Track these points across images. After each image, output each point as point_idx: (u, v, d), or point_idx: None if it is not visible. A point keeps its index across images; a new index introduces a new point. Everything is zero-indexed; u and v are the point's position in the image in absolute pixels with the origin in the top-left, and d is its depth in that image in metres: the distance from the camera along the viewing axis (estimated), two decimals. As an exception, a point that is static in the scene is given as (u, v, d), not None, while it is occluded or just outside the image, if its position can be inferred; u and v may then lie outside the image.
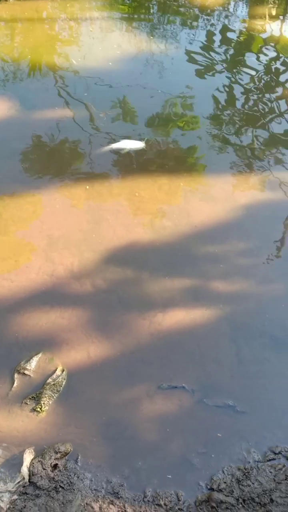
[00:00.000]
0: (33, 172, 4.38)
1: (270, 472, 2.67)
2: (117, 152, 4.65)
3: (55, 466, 2.64)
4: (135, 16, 7.28)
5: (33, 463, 2.64)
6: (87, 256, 3.67)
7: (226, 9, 7.60)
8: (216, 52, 6.46)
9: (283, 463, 2.70)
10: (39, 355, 3.08)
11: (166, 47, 6.47)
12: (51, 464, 2.64)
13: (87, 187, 4.23)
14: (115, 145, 4.70)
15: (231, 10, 7.61)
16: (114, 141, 4.75)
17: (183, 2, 7.65)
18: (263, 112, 5.47)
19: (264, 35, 6.96)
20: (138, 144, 4.73)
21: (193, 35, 6.84)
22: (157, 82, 5.71)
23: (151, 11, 7.52)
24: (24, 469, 2.60)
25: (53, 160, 4.55)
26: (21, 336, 3.18)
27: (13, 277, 3.50)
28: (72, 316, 3.31)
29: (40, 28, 6.63)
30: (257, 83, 5.94)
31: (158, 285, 3.54)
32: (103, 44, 6.40)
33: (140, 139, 4.78)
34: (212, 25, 7.12)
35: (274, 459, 2.72)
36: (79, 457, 2.68)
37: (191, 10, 7.47)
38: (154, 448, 2.73)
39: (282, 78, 6.07)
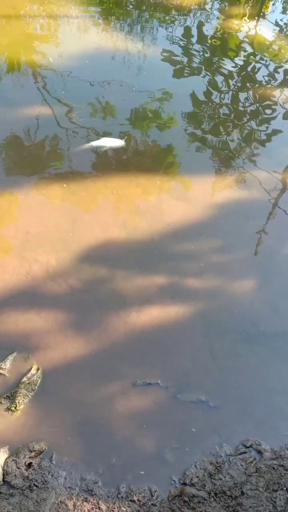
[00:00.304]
0: (9, 170, 4.37)
1: (241, 465, 2.73)
2: (96, 149, 4.66)
3: (29, 465, 2.65)
4: (113, 14, 7.27)
5: (7, 462, 2.65)
6: (63, 255, 3.68)
7: (202, 8, 7.64)
8: (193, 51, 6.50)
9: (253, 456, 2.77)
10: (14, 354, 3.09)
11: (143, 46, 6.49)
12: (25, 463, 2.65)
13: (64, 185, 4.24)
14: (95, 143, 4.71)
15: (207, 9, 7.66)
16: (93, 139, 4.76)
17: (160, 1, 7.67)
18: (239, 111, 5.53)
19: (240, 35, 7.03)
20: (118, 142, 4.74)
21: (170, 34, 6.87)
22: (134, 80, 5.73)
23: (128, 9, 7.52)
24: (-2, 468, 2.61)
25: (30, 158, 4.54)
26: (-5, 336, 3.18)
27: (-12, 276, 3.49)
28: (48, 315, 3.32)
29: (17, 25, 6.58)
30: (234, 82, 6.00)
31: (133, 284, 3.57)
32: (81, 42, 6.39)
33: (120, 137, 4.79)
34: (189, 24, 7.16)
35: (245, 452, 2.78)
36: (54, 455, 2.70)
37: (168, 9, 7.49)
38: (128, 445, 2.77)
39: (258, 76, 6.15)
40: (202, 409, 2.95)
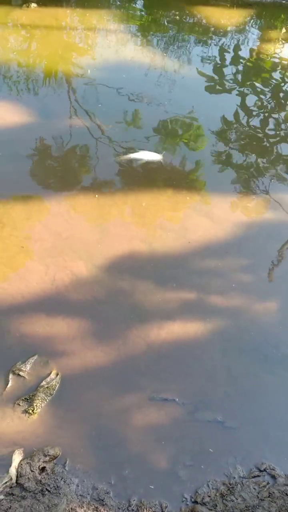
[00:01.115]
0: (41, 178, 4.46)
1: (254, 488, 2.70)
2: (130, 162, 4.73)
3: (43, 469, 2.67)
4: (150, 31, 7.41)
5: (21, 464, 2.67)
6: (88, 265, 3.73)
7: (240, 30, 7.74)
8: (227, 71, 6.58)
9: (267, 480, 2.74)
10: (35, 357, 3.13)
11: (178, 63, 6.60)
12: (39, 466, 2.67)
13: (96, 195, 4.30)
14: (133, 155, 4.78)
15: (245, 31, 7.75)
16: (126, 152, 4.83)
17: (198, 21, 7.79)
18: (269, 133, 5.56)
19: (275, 58, 7.09)
20: (156, 157, 4.80)
21: (206, 53, 6.97)
22: (167, 97, 5.82)
23: (166, 27, 7.66)
24: (12, 470, 2.63)
25: (63, 168, 4.63)
26: (18, 338, 3.23)
27: (13, 281, 3.55)
28: (70, 322, 3.36)
29: (58, 36, 6.75)
30: (265, 104, 6.05)
31: (155, 298, 3.59)
32: (118, 56, 6.52)
33: (158, 152, 4.85)
34: (225, 45, 7.26)
35: (258, 476, 2.76)
36: (67, 461, 2.72)
37: (206, 29, 7.61)
38: (142, 458, 2.77)
39: (291, 101, 6.19)
40: (218, 428, 2.94)
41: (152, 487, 2.68)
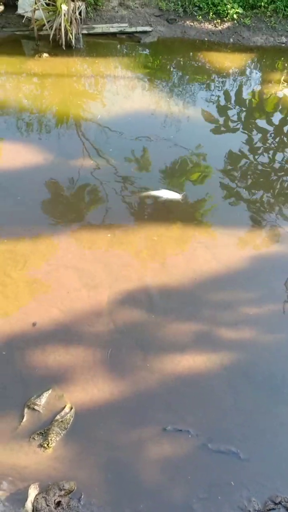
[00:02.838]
0: (54, 218, 4.63)
1: (270, 522, 2.69)
2: (148, 198, 4.90)
3: (58, 503, 2.69)
4: (156, 76, 7.76)
5: (37, 498, 2.69)
6: (101, 299, 3.83)
7: (242, 73, 8.07)
8: (231, 111, 6.84)
9: (283, 513, 2.73)
10: (49, 391, 3.19)
11: (183, 105, 6.87)
12: (54, 500, 2.69)
13: (109, 235, 4.44)
14: (153, 192, 4.96)
15: (247, 74, 8.09)
16: (134, 191, 5.01)
17: (202, 65, 8.15)
18: (273, 169, 5.74)
19: (277, 98, 7.37)
20: (175, 196, 4.97)
21: (210, 95, 7.26)
22: (173, 137, 6.04)
23: (171, 71, 8.02)
24: (28, 504, 2.66)
25: (75, 207, 4.81)
26: (33, 372, 3.30)
27: (26, 314, 3.65)
28: (84, 356, 3.43)
29: (68, 83, 7.11)
30: (269, 143, 6.25)
31: (166, 330, 3.67)
32: (126, 101, 6.83)
33: (179, 192, 5.01)
34: (228, 87, 7.57)
35: (273, 509, 2.74)
36: (82, 495, 2.74)
37: (209, 72, 7.95)
38: (156, 491, 2.78)
39: (294, 138, 6.40)
40: (231, 461, 2.95)
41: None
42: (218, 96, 7.23)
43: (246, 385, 3.36)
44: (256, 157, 5.93)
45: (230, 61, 8.27)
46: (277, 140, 6.33)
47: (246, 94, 7.38)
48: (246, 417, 3.17)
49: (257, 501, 2.79)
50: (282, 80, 7.87)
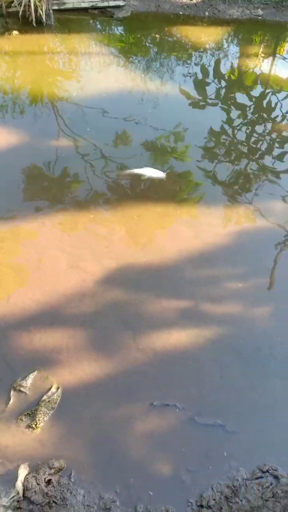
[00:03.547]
0: (33, 200, 4.54)
1: (258, 490, 2.74)
2: (131, 177, 4.84)
3: (49, 482, 2.70)
4: (131, 52, 7.61)
5: (27, 478, 2.69)
6: (84, 278, 3.80)
7: (219, 47, 7.97)
8: (209, 86, 6.76)
9: (270, 481, 2.79)
10: (35, 373, 3.17)
11: (160, 82, 6.77)
12: (45, 479, 2.70)
13: (91, 215, 4.38)
14: (136, 170, 4.90)
15: (224, 48, 7.99)
16: (113, 171, 4.95)
17: (178, 39, 8.02)
18: (254, 143, 5.72)
19: (255, 72, 7.31)
20: (159, 174, 4.91)
21: (187, 70, 7.17)
22: (151, 115, 5.97)
23: (147, 47, 7.87)
24: (19, 484, 2.66)
25: (54, 189, 4.72)
26: (17, 354, 3.27)
27: (10, 297, 3.61)
28: (68, 336, 3.41)
29: (41, 61, 6.92)
30: (248, 118, 6.22)
31: (152, 307, 3.66)
32: (101, 78, 6.69)
33: (162, 170, 4.96)
34: (205, 61, 7.47)
35: (261, 477, 2.80)
36: (73, 473, 2.75)
37: (185, 47, 7.83)
38: (145, 465, 2.81)
39: (273, 113, 6.37)
40: (219, 433, 2.99)
41: (151, 493, 2.70)
42: (196, 73, 7.13)
43: (233, 360, 3.39)
44: (236, 133, 5.89)
45: (206, 35, 8.16)
46: (256, 115, 6.30)
47: (223, 69, 7.30)
48: (233, 391, 3.21)
49: (245, 470, 2.83)
50: (260, 53, 7.80)
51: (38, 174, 4.85)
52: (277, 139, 5.85)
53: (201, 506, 2.67)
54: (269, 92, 6.80)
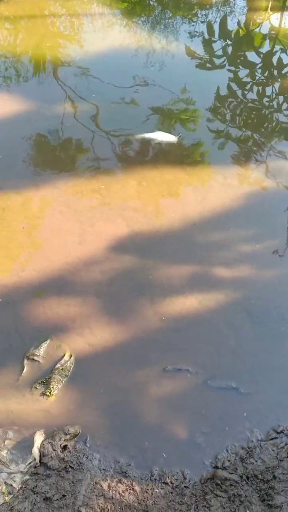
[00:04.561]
0: (42, 167, 4.48)
1: (273, 450, 2.75)
2: (134, 142, 4.74)
3: (64, 447, 2.73)
4: (135, 12, 7.34)
5: (43, 444, 2.73)
6: (95, 245, 3.76)
7: (225, 2, 7.64)
8: (217, 45, 6.51)
9: (285, 441, 2.79)
10: (48, 341, 3.18)
11: (166, 42, 6.54)
12: (61, 445, 2.73)
13: (102, 186, 4.30)
14: (148, 135, 4.80)
15: (230, 3, 7.65)
16: (128, 135, 4.83)
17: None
18: (264, 103, 5.53)
19: (264, 27, 7.01)
20: (171, 138, 4.81)
21: (193, 29, 6.90)
22: (157, 77, 5.78)
23: (151, 6, 7.57)
24: (35, 450, 2.70)
25: (62, 157, 4.64)
26: (29, 324, 3.28)
27: (21, 266, 3.59)
28: (80, 304, 3.40)
29: (42, 25, 6.71)
30: (258, 76, 5.99)
31: (163, 273, 3.62)
32: (104, 40, 6.47)
33: (174, 134, 4.84)
34: (211, 19, 7.18)
35: (276, 437, 2.80)
36: (88, 438, 2.78)
37: (190, 5, 7.52)
38: (159, 429, 2.82)
39: (284, 70, 6.12)
40: (232, 395, 2.98)
41: (165, 455, 2.73)
42: (202, 31, 6.86)
43: (246, 323, 3.35)
44: (245, 92, 5.69)
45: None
46: (266, 74, 6.07)
47: (231, 26, 7.01)
48: (246, 354, 3.19)
49: (259, 431, 2.84)
50: (268, 8, 7.47)
51: (44, 143, 4.76)
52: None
53: (216, 467, 2.68)
54: (278, 47, 6.53)
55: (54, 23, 6.84)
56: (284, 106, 5.51)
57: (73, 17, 7.02)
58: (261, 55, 6.35)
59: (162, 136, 4.79)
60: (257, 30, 6.96)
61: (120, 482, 2.61)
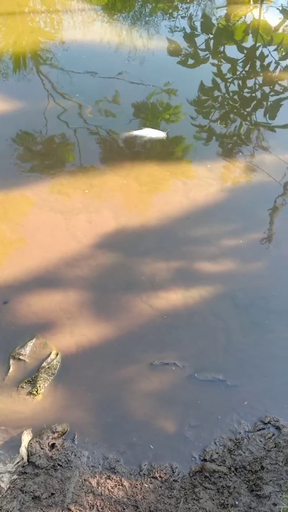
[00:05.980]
0: (25, 165, 4.44)
1: (260, 441, 2.76)
2: (132, 138, 4.73)
3: (52, 446, 2.72)
4: (115, 7, 7.29)
5: (31, 443, 2.72)
6: (80, 242, 3.75)
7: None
8: (198, 39, 6.50)
9: (272, 432, 2.80)
10: (33, 340, 3.16)
11: (147, 37, 6.51)
12: (48, 443, 2.72)
13: (86, 191, 4.28)
14: (136, 132, 4.77)
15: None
16: (123, 132, 4.81)
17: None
18: (247, 97, 5.53)
19: (244, 21, 7.00)
20: (159, 134, 4.78)
21: (174, 23, 6.87)
22: (139, 72, 5.75)
23: (131, 1, 7.53)
24: (23, 450, 2.68)
25: (45, 153, 4.61)
26: (15, 322, 3.25)
27: (5, 264, 3.57)
28: (66, 300, 3.39)
29: (22, 21, 6.64)
30: (240, 69, 5.99)
31: (149, 268, 3.62)
32: (85, 36, 6.43)
33: (163, 130, 4.82)
34: (192, 12, 7.16)
35: (263, 428, 2.82)
36: (76, 436, 2.77)
37: (171, -1, 7.50)
38: (148, 424, 2.83)
39: (266, 61, 6.13)
40: (219, 388, 2.99)
41: (152, 447, 2.73)
42: (183, 25, 6.83)
43: (232, 316, 3.37)
44: (228, 86, 5.69)
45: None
46: (247, 66, 6.07)
47: (212, 20, 6.99)
48: (232, 346, 3.20)
49: (246, 423, 2.85)
50: (250, 1, 7.47)
51: (29, 142, 4.72)
52: (270, 90, 5.64)
53: (205, 460, 2.69)
54: (259, 40, 6.53)
55: (34, 19, 6.77)
56: (266, 99, 5.52)
57: (53, 14, 6.95)
58: (242, 48, 6.35)
59: (151, 133, 4.77)
60: (238, 22, 6.95)
61: (109, 478, 2.61)
